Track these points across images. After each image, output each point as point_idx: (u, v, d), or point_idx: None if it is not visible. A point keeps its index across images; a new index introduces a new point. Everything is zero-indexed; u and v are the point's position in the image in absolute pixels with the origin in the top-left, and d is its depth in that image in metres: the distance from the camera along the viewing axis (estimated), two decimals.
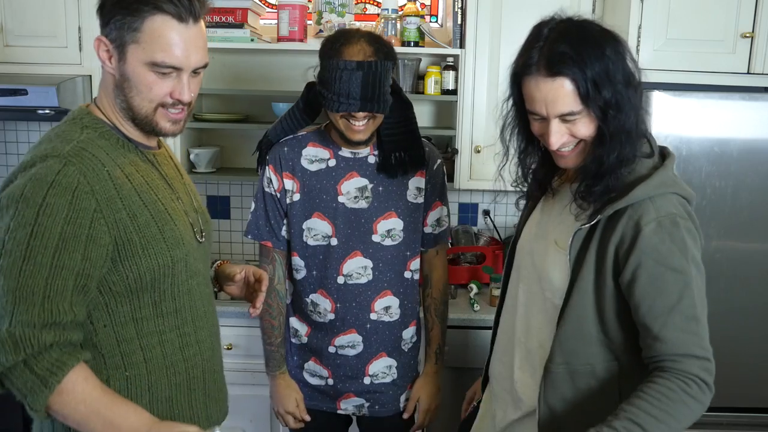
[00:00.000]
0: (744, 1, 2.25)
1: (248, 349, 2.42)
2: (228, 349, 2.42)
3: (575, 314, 1.31)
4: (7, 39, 2.47)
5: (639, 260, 1.23)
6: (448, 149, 2.67)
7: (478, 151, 2.56)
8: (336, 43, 1.64)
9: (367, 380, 1.86)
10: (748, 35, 2.26)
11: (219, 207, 2.96)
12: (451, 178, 2.61)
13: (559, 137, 1.27)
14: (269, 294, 1.79)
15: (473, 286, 2.54)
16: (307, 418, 1.89)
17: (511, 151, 1.43)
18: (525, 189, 1.51)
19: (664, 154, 1.35)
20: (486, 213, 2.95)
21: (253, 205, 1.86)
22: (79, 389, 1.12)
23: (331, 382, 1.88)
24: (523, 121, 1.37)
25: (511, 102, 1.37)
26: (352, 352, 1.84)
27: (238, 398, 2.46)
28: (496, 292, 2.48)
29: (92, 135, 1.23)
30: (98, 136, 1.24)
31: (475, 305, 2.44)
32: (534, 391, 1.40)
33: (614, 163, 1.25)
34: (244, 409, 2.48)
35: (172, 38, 1.19)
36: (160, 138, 1.39)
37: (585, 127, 1.26)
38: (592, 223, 1.28)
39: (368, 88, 1.61)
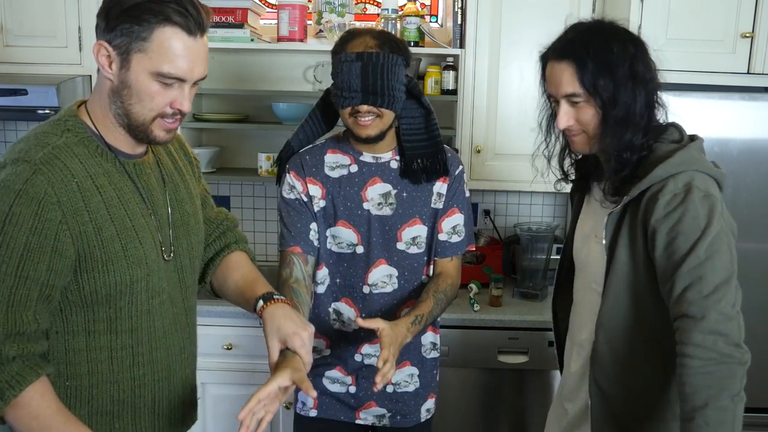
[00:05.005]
0: (744, 1, 2.25)
1: (248, 349, 2.42)
2: (228, 349, 2.42)
3: (612, 295, 1.39)
4: (7, 39, 2.47)
5: (654, 228, 1.31)
6: None
7: (479, 151, 2.56)
8: (343, 38, 1.65)
9: (390, 389, 1.81)
10: (748, 35, 2.26)
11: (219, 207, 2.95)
12: None
13: (565, 118, 1.40)
14: (283, 289, 1.64)
15: (473, 286, 2.54)
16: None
17: (551, 137, 1.54)
18: (561, 177, 1.60)
19: (693, 139, 1.42)
20: (486, 213, 2.95)
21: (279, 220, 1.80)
22: (35, 405, 1.13)
23: (353, 389, 1.81)
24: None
25: (545, 94, 1.49)
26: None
27: (238, 398, 2.47)
28: (496, 292, 2.49)
29: (71, 140, 1.21)
30: (77, 141, 1.22)
31: (475, 305, 2.44)
32: (585, 381, 1.48)
33: (615, 151, 1.35)
34: None
35: (180, 50, 1.18)
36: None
37: (587, 115, 1.38)
38: (620, 206, 1.37)
39: (368, 80, 1.58)
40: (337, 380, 1.81)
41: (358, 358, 1.79)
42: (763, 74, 2.29)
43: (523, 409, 2.47)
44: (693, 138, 1.42)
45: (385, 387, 1.79)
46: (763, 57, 2.27)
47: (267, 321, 1.35)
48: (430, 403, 1.88)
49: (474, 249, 1.87)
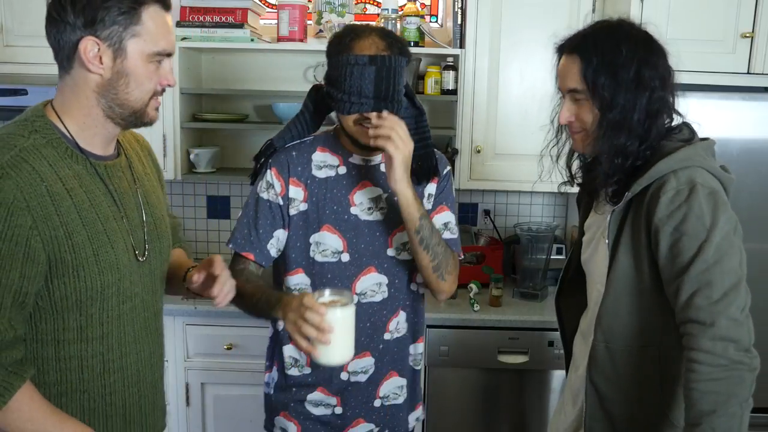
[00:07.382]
0: (744, 1, 2.25)
1: (248, 349, 2.42)
2: (228, 349, 2.42)
3: (612, 295, 1.37)
4: (7, 39, 2.47)
5: (657, 227, 1.28)
6: (448, 149, 2.66)
7: (479, 151, 2.56)
8: (345, 38, 1.51)
9: (377, 402, 1.69)
10: (748, 35, 2.26)
11: (219, 207, 2.95)
12: None
13: (567, 114, 1.40)
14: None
15: (473, 286, 2.54)
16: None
17: (562, 135, 1.52)
18: (568, 179, 1.59)
19: (704, 140, 1.40)
20: (486, 213, 2.95)
21: (240, 213, 1.67)
22: (26, 408, 1.14)
23: (339, 410, 1.68)
24: None
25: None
26: (364, 378, 1.68)
27: (238, 398, 2.47)
28: (496, 292, 2.49)
29: (39, 142, 1.18)
30: (46, 143, 1.19)
31: (475, 305, 2.44)
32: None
33: (607, 154, 1.34)
34: (244, 409, 2.48)
35: (166, 26, 1.23)
36: (124, 144, 1.36)
37: (587, 113, 1.37)
38: (622, 203, 1.35)
39: (382, 85, 1.47)
40: (321, 403, 1.68)
41: (344, 376, 1.66)
42: (763, 74, 2.29)
43: (523, 409, 2.47)
44: (704, 140, 1.40)
45: (373, 402, 1.70)
46: (763, 57, 2.27)
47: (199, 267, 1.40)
48: (419, 412, 1.80)
49: (462, 257, 1.75)
